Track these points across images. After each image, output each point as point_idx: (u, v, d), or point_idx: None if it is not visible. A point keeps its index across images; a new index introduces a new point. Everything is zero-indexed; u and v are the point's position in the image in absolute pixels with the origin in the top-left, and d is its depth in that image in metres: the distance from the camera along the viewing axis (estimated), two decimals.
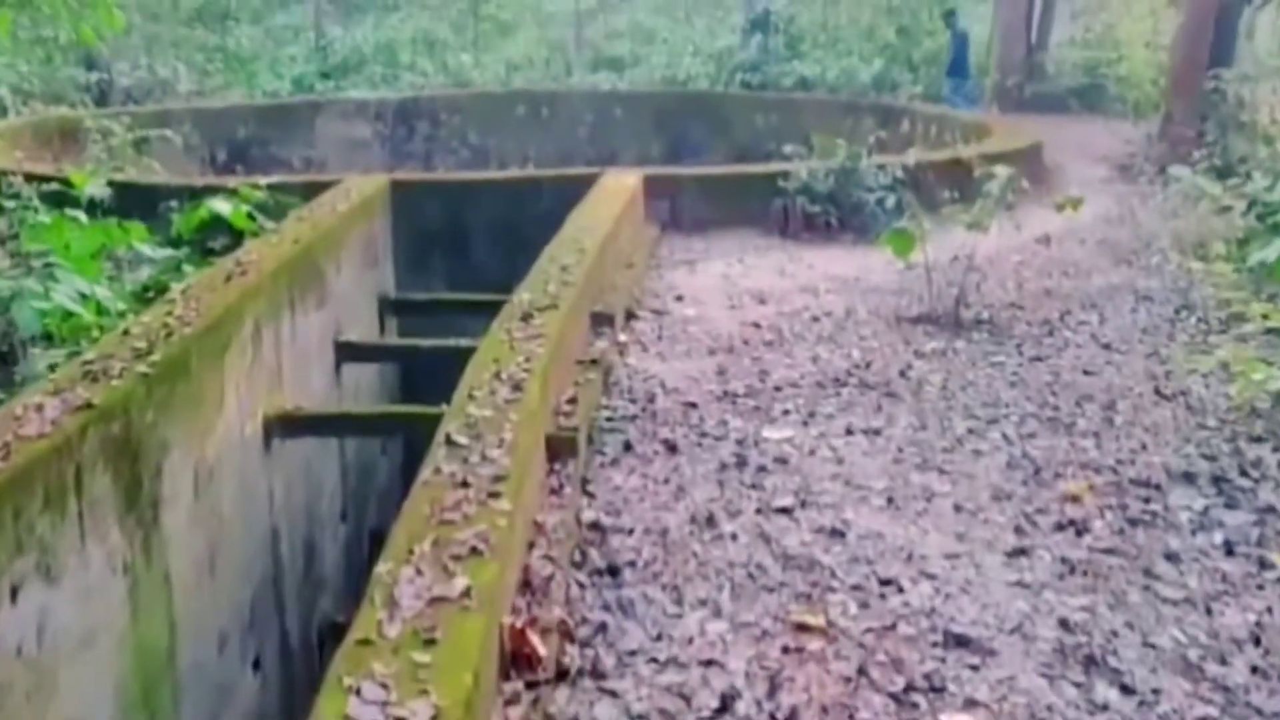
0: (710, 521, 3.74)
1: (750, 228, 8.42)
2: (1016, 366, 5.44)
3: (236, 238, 6.96)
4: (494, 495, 2.91)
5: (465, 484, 2.98)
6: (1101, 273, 7.36)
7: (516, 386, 3.71)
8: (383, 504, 6.79)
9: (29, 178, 8.02)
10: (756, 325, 6.11)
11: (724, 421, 4.66)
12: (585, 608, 3.16)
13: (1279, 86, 12.69)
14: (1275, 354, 5.21)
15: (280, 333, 5.25)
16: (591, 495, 3.91)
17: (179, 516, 4.00)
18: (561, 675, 2.80)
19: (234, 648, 4.50)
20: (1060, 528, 3.74)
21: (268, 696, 4.81)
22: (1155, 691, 2.82)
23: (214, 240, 7.13)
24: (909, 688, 2.81)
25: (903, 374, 5.30)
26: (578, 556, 3.44)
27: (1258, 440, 4.48)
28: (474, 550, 2.62)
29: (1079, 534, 3.69)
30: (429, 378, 5.61)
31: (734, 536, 3.64)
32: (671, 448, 4.37)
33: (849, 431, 4.58)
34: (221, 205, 7.22)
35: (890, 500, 3.95)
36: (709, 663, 2.90)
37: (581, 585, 3.27)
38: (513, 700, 2.57)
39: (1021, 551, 3.56)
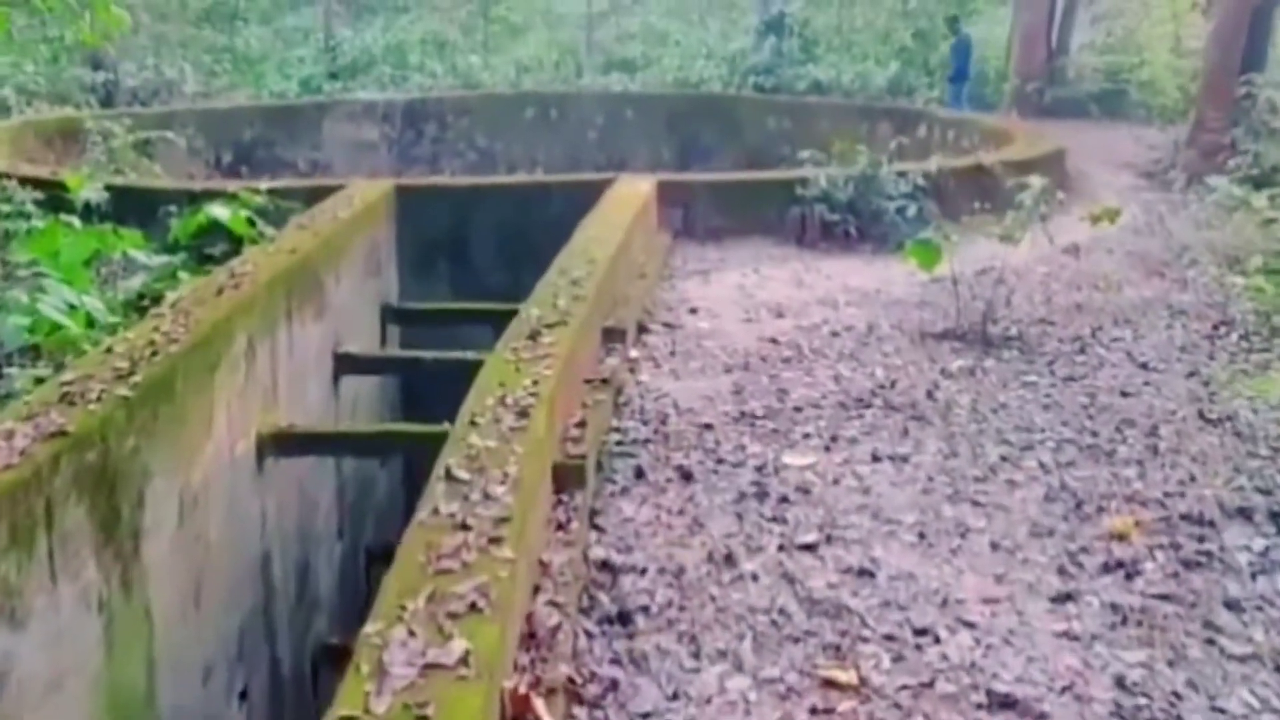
0: (729, 560, 3.47)
1: (765, 236, 8.18)
2: (1049, 387, 5.15)
3: (236, 244, 6.71)
4: (495, 540, 2.65)
5: (465, 526, 2.72)
6: (1133, 286, 7.07)
7: (522, 413, 3.44)
8: (381, 520, 6.54)
9: (23, 181, 7.78)
10: (774, 340, 5.84)
11: (741, 446, 4.40)
12: (594, 661, 2.89)
13: None
14: None
15: (275, 346, 5.00)
16: (601, 529, 3.64)
17: (161, 546, 3.75)
18: None
19: (219, 680, 4.25)
20: (1108, 569, 3.47)
21: None
22: None
23: (212, 246, 6.86)
24: None
25: (930, 395, 5.02)
26: (586, 601, 3.18)
27: None
28: (473, 607, 2.36)
29: (1129, 577, 3.42)
30: (431, 391, 5.37)
31: (755, 577, 3.38)
32: (686, 475, 4.11)
33: (875, 458, 4.31)
34: (220, 210, 6.95)
35: (921, 536, 3.68)
36: None
37: (590, 635, 3.01)
38: None
39: (1067, 597, 3.29)
